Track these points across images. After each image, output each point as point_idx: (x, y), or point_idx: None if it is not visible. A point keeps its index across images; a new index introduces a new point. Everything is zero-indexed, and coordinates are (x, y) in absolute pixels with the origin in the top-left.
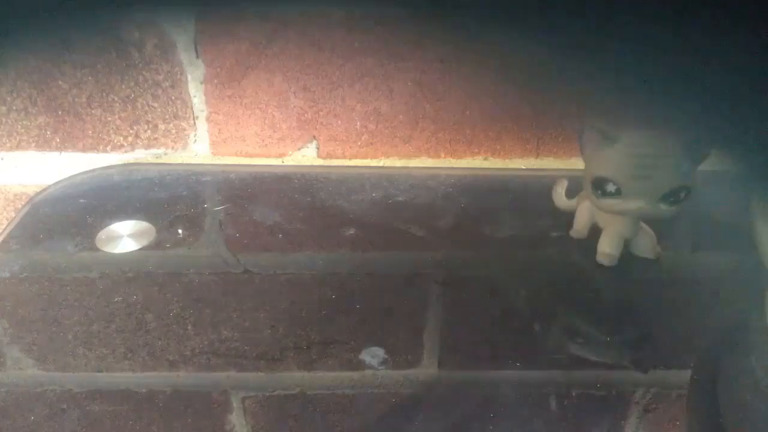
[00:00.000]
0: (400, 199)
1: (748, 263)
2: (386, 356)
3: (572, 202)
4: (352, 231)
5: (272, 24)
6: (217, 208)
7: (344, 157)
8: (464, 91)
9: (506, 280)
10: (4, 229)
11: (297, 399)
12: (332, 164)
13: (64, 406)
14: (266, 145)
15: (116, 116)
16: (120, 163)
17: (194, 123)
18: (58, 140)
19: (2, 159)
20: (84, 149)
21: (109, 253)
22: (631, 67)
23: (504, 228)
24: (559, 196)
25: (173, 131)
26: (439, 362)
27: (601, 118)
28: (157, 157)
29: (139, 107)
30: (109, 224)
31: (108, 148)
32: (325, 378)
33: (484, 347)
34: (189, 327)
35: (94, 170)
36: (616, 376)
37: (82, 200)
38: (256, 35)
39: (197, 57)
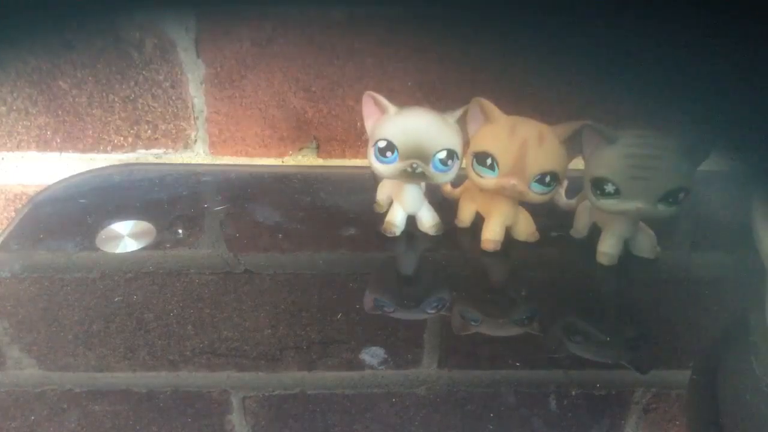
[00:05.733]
0: None
1: (748, 263)
2: (386, 356)
3: (572, 202)
4: (352, 231)
5: (272, 24)
6: (217, 208)
7: (344, 157)
8: (464, 91)
9: (506, 280)
10: (5, 229)
11: (297, 399)
12: (332, 164)
13: (65, 406)
14: (266, 145)
15: (116, 116)
16: (120, 163)
17: (194, 123)
18: (58, 140)
19: (3, 159)
20: (84, 149)
21: (110, 253)
22: (631, 68)
23: None
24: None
25: (173, 131)
26: (439, 362)
27: (601, 118)
28: (157, 157)
29: (140, 107)
30: (110, 224)
31: (108, 148)
32: (325, 378)
33: (483, 347)
34: (189, 327)
35: (94, 170)
36: (615, 376)
37: (82, 200)
38: (256, 35)
39: (197, 57)
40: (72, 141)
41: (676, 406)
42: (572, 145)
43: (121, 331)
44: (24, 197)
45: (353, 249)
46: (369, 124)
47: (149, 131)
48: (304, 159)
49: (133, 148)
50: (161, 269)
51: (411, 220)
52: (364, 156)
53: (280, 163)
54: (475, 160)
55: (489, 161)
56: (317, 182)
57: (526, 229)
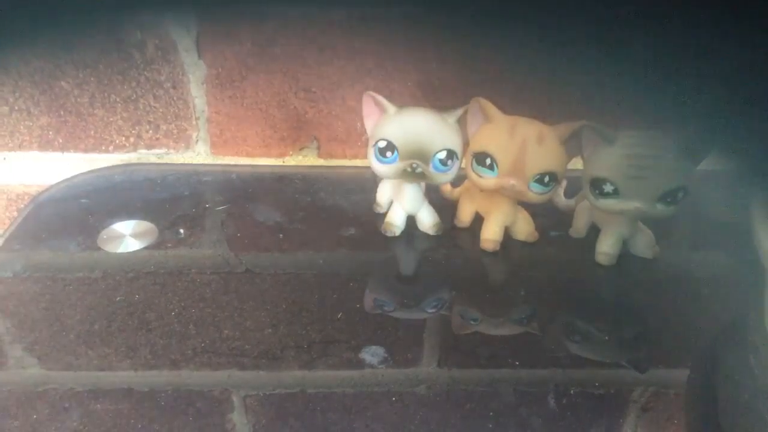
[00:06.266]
0: None
1: (748, 263)
2: (386, 355)
3: (571, 202)
4: (352, 231)
5: (273, 25)
6: (218, 208)
7: (344, 157)
8: (464, 91)
9: (506, 279)
10: (7, 229)
11: (298, 398)
12: (332, 164)
13: (66, 405)
14: (267, 145)
15: (118, 116)
16: (122, 163)
17: (195, 123)
18: (60, 140)
19: (5, 159)
20: (86, 149)
21: (111, 252)
22: (630, 68)
23: None
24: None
25: (175, 131)
26: (438, 361)
27: (600, 118)
28: (158, 158)
29: (141, 108)
30: (111, 224)
31: (110, 148)
32: (326, 377)
33: (483, 346)
34: (190, 326)
35: (96, 170)
36: (614, 375)
37: (84, 200)
38: (256, 36)
39: (199, 58)
40: (74, 141)
41: (674, 406)
42: (571, 145)
43: (123, 330)
44: (26, 197)
45: (353, 249)
46: (369, 124)
47: (151, 131)
48: (305, 159)
49: (134, 148)
50: (163, 269)
51: (411, 220)
52: (365, 156)
53: (281, 163)
54: (474, 160)
55: (488, 161)
56: (317, 182)
57: (525, 228)
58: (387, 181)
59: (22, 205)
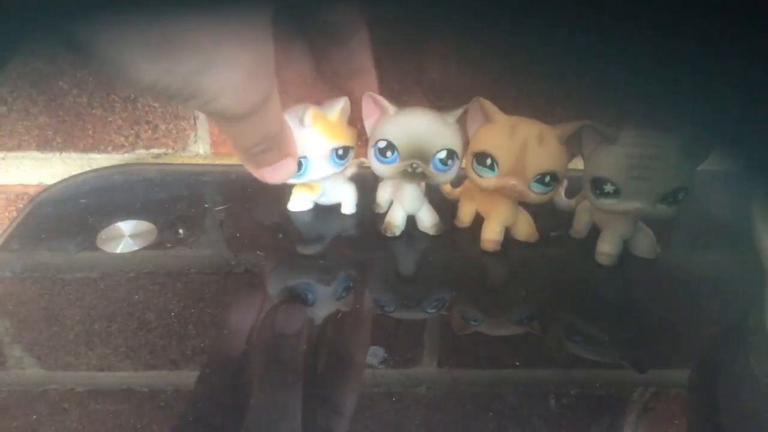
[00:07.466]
0: None
1: (748, 263)
2: (386, 355)
3: (572, 202)
4: (352, 231)
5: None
6: (218, 208)
7: None
8: (464, 91)
9: (506, 280)
10: (6, 229)
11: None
12: None
13: (66, 405)
14: None
15: (117, 116)
16: (121, 163)
17: (194, 123)
18: (59, 140)
19: (3, 159)
20: (85, 149)
21: (111, 252)
22: (630, 67)
23: None
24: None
25: (174, 131)
26: (439, 361)
27: (600, 118)
28: (157, 157)
29: (140, 107)
30: (110, 224)
31: (109, 148)
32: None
33: (483, 346)
34: (190, 326)
35: (95, 170)
36: (614, 375)
37: (83, 200)
38: None
39: None
40: (72, 141)
41: (675, 406)
42: (572, 144)
43: (122, 330)
44: (25, 197)
45: (353, 249)
46: (369, 125)
47: (150, 131)
48: None
49: (133, 148)
50: (162, 269)
51: (411, 220)
52: (364, 156)
53: None
54: (474, 160)
55: (489, 161)
56: None
57: (525, 229)
58: (387, 181)
59: (21, 205)
